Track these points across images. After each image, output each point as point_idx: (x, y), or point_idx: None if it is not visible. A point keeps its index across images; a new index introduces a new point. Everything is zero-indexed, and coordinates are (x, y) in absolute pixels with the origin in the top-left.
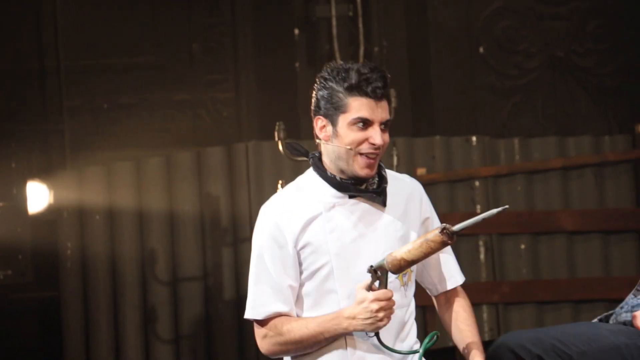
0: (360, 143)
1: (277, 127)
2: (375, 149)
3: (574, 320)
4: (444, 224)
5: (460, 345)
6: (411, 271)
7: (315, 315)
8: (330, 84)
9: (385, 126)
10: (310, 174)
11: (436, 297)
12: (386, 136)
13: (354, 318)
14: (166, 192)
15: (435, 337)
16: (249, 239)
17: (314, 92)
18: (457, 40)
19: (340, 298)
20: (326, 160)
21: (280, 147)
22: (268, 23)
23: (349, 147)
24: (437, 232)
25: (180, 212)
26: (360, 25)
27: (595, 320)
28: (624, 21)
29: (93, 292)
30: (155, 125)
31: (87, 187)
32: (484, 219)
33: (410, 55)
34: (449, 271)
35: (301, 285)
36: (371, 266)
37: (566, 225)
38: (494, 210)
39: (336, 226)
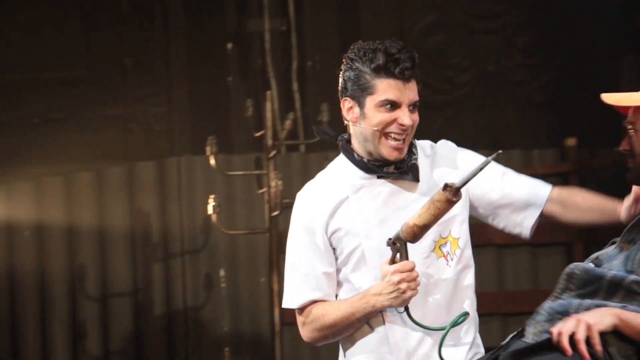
0: (388, 124)
1: (209, 142)
2: (404, 130)
3: (503, 333)
4: (446, 182)
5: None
6: (456, 243)
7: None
8: (357, 64)
9: (414, 107)
10: (339, 158)
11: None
12: (415, 116)
13: (380, 294)
14: (97, 207)
15: (463, 317)
16: (180, 254)
17: (341, 73)
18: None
19: (374, 280)
20: (354, 142)
21: (212, 162)
22: (201, 37)
23: (375, 128)
24: (440, 190)
25: (110, 227)
26: (294, 39)
27: (509, 337)
28: (553, 36)
29: (22, 308)
30: (86, 139)
31: (16, 203)
32: (481, 169)
33: None
34: (532, 191)
35: (339, 270)
36: (390, 239)
37: (495, 238)
38: (489, 158)
39: (363, 208)
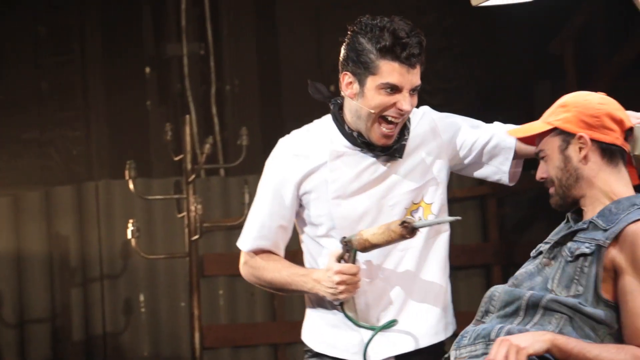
0: (386, 108)
1: (128, 166)
2: (401, 114)
3: None
4: (406, 217)
5: None
6: (429, 209)
7: (319, 261)
8: (362, 40)
9: (414, 91)
10: (327, 119)
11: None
12: (415, 100)
13: (319, 282)
14: (13, 231)
15: (392, 323)
16: (99, 279)
17: (344, 45)
18: (309, 79)
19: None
20: (347, 114)
21: (131, 186)
22: (118, 61)
23: (372, 110)
24: (398, 223)
25: (28, 252)
26: (212, 64)
27: None
28: (471, 60)
29: None
30: (3, 164)
31: None
32: (441, 223)
33: (262, 94)
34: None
35: (305, 229)
36: (344, 237)
37: None
38: (449, 218)
39: (338, 177)
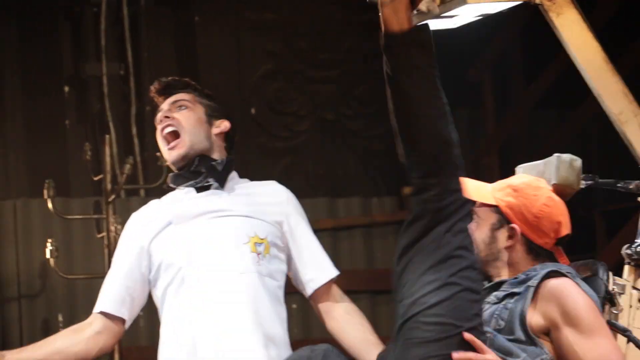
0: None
1: (46, 185)
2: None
3: None
4: None
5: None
6: (267, 243)
7: None
8: None
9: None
10: None
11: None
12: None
13: None
14: None
15: None
16: (16, 299)
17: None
18: (229, 102)
19: None
20: None
21: (50, 205)
22: (37, 79)
23: None
24: None
25: None
26: (132, 84)
27: None
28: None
29: None
30: None
31: None
32: None
33: None
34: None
35: None
36: None
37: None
38: None
39: None
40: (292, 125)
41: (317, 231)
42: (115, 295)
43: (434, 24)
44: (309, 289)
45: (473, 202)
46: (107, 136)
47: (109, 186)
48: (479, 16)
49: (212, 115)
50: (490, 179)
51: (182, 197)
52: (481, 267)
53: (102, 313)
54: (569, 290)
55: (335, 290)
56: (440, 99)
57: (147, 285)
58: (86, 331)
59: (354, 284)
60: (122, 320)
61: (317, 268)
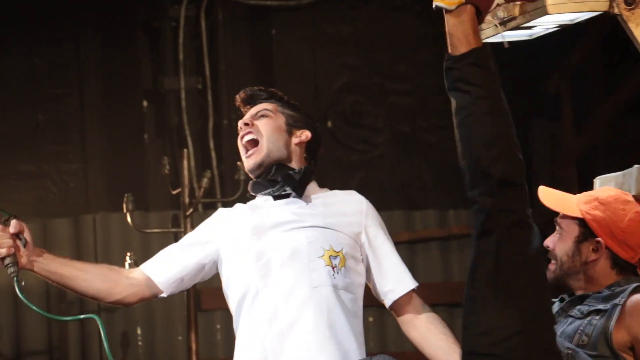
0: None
1: (125, 199)
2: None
3: None
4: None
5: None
6: (343, 255)
7: None
8: None
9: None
10: None
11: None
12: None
13: None
14: None
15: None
16: (95, 312)
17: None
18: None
19: None
20: None
21: (129, 219)
22: (116, 94)
23: None
24: None
25: (25, 284)
26: (210, 98)
27: None
28: None
29: None
30: None
31: None
32: None
33: None
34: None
35: None
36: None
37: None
38: None
39: None
40: (368, 138)
41: (394, 244)
42: (169, 270)
43: (510, 36)
44: (388, 300)
45: (556, 213)
46: (185, 150)
47: (186, 200)
48: (556, 27)
49: (292, 125)
50: (568, 191)
51: (262, 204)
52: (562, 281)
53: (147, 274)
54: None
55: (416, 300)
56: (505, 109)
57: (198, 277)
58: (122, 277)
59: (430, 296)
60: (158, 292)
61: (396, 280)
